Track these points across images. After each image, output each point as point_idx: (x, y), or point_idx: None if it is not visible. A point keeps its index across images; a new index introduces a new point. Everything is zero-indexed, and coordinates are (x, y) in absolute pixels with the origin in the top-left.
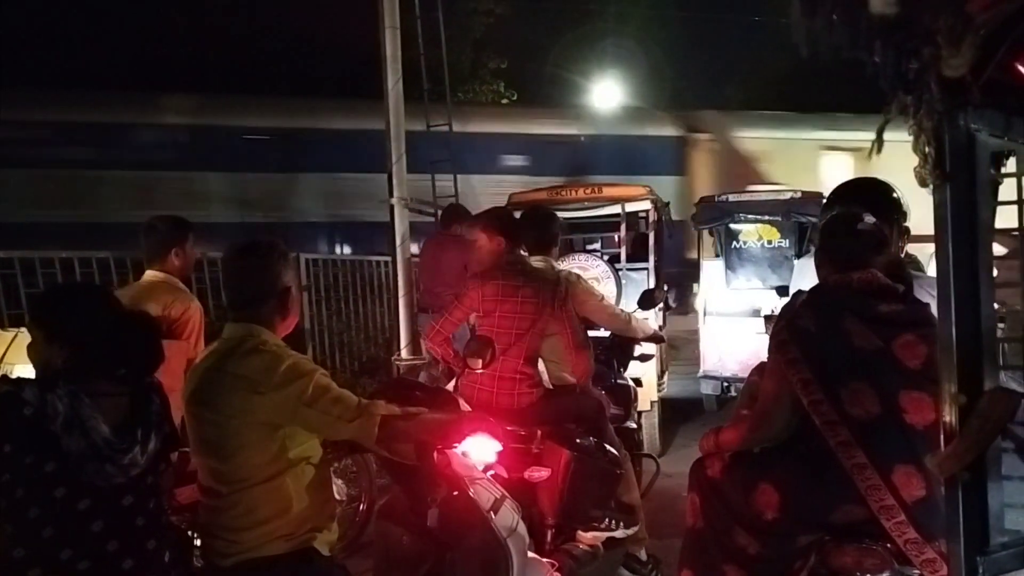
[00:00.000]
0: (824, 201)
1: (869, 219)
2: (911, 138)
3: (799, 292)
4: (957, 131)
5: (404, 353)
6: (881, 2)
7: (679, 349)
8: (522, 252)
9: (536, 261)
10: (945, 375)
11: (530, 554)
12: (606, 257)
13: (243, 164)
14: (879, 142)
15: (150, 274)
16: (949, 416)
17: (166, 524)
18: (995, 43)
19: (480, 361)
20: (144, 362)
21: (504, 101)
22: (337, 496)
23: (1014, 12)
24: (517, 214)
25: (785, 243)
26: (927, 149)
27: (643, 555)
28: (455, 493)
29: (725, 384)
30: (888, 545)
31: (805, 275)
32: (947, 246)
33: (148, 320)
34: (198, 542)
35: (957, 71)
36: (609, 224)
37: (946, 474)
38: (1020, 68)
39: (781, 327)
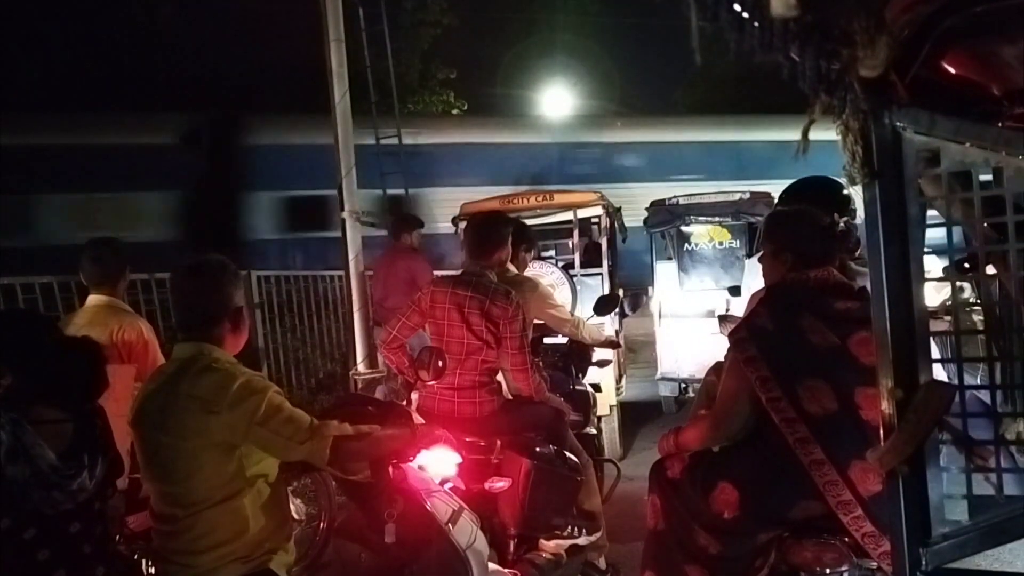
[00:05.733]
0: (776, 200)
1: (841, 220)
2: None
3: None
4: (883, 129)
5: (361, 367)
6: (783, 4)
7: (637, 352)
8: (482, 264)
9: (489, 272)
10: (881, 370)
11: (492, 565)
12: (560, 264)
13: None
14: (804, 142)
15: (95, 298)
16: (887, 411)
17: (114, 551)
18: (919, 42)
19: (427, 372)
20: (87, 388)
21: (455, 111)
22: (296, 516)
23: (935, 11)
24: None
25: (736, 243)
26: (855, 148)
27: (602, 563)
28: (412, 507)
29: (683, 385)
30: (846, 539)
31: (756, 275)
32: (878, 243)
33: (90, 345)
34: (152, 570)
35: (874, 71)
36: (563, 231)
37: (886, 468)
38: (946, 66)
39: (740, 325)
